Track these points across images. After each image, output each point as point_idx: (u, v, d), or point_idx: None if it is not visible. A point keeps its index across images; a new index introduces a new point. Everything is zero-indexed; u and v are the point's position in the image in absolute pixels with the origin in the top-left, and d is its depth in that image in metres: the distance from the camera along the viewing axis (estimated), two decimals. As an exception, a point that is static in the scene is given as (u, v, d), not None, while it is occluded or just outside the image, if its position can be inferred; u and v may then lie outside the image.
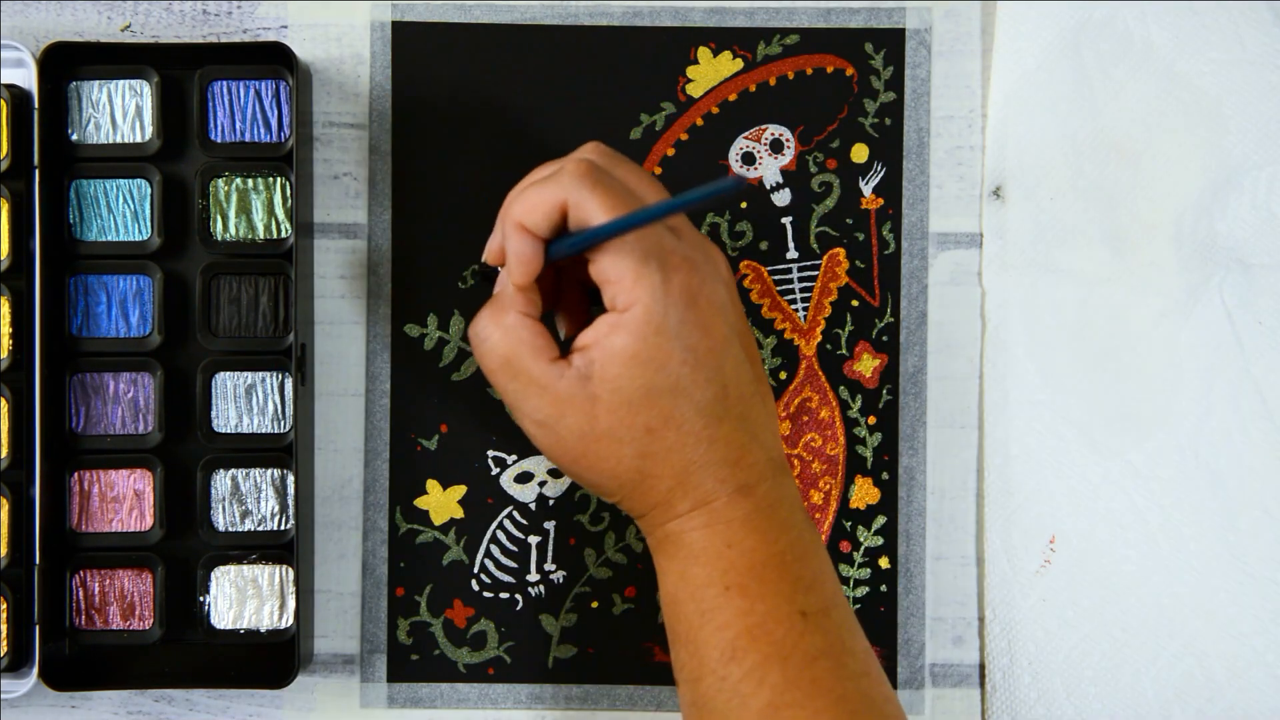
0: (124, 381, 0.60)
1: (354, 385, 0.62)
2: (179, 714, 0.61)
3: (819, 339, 0.62)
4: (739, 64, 0.62)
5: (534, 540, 0.62)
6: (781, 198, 0.62)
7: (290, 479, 0.60)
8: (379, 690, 0.61)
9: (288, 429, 0.60)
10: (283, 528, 0.60)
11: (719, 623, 0.48)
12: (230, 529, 0.60)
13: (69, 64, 0.59)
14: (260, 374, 0.60)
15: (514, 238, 0.49)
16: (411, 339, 0.62)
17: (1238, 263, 0.61)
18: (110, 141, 0.60)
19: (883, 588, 0.62)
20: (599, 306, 0.49)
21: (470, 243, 0.62)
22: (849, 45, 0.62)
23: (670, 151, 0.62)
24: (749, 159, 0.62)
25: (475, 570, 0.62)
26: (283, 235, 0.60)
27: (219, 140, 0.60)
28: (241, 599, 0.60)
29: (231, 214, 0.60)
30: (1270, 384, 0.61)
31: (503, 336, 0.49)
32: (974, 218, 0.62)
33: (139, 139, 0.60)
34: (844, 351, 0.62)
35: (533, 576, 0.62)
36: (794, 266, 0.62)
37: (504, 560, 0.62)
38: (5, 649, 0.58)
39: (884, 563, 0.62)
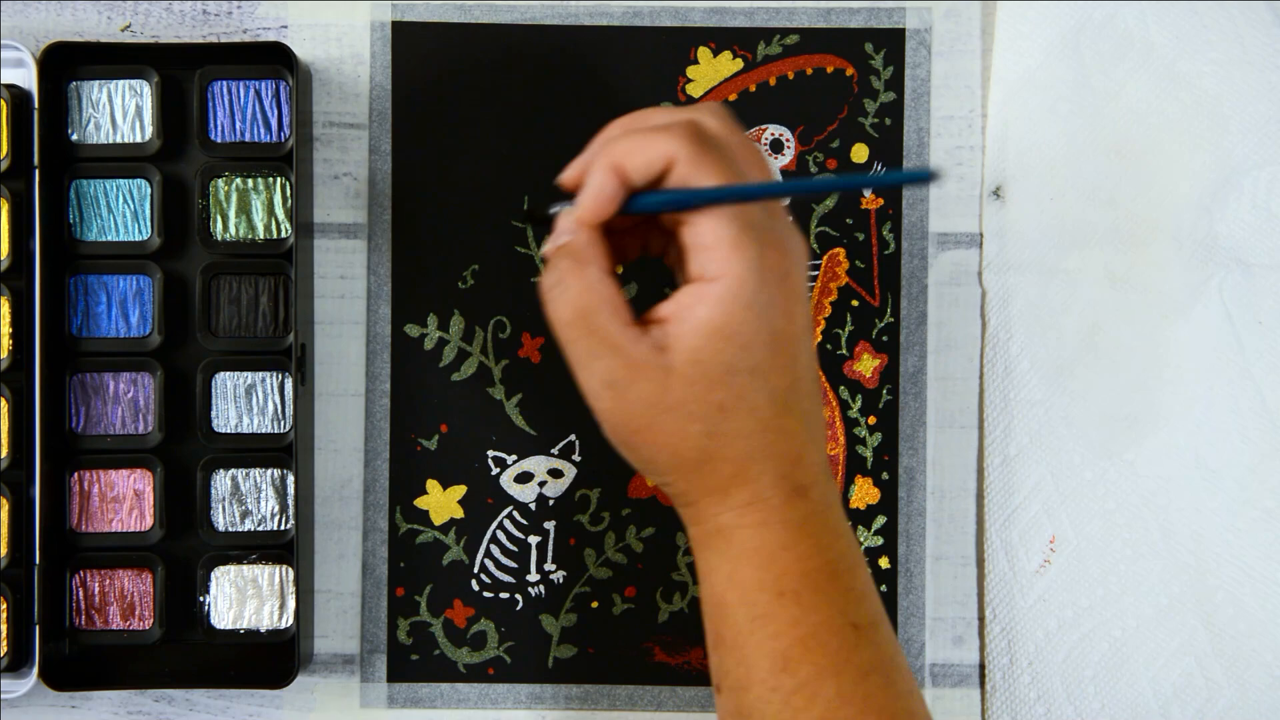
0: (124, 381, 0.60)
1: (354, 385, 0.62)
2: (179, 714, 0.61)
3: (819, 339, 0.62)
4: (739, 64, 0.62)
5: (534, 540, 0.62)
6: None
7: (290, 479, 0.60)
8: (379, 690, 0.61)
9: (288, 429, 0.60)
10: (283, 528, 0.60)
11: (771, 630, 0.46)
12: (230, 529, 0.60)
13: (69, 64, 0.59)
14: (260, 374, 0.60)
15: (604, 175, 0.46)
16: (411, 339, 0.62)
17: (1238, 263, 0.61)
18: (110, 141, 0.60)
19: (883, 588, 0.62)
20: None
21: (470, 243, 0.62)
22: (849, 45, 0.62)
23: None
24: (749, 159, 0.62)
25: (475, 570, 0.62)
26: (283, 235, 0.60)
27: (219, 140, 0.60)
28: (241, 599, 0.60)
29: (231, 214, 0.60)
30: (1270, 384, 0.61)
31: (584, 290, 0.46)
32: (974, 218, 0.62)
33: (139, 139, 0.60)
34: (844, 351, 0.62)
35: (533, 576, 0.62)
36: (794, 266, 0.62)
37: (504, 560, 0.62)
38: (5, 649, 0.58)
39: (884, 563, 0.62)
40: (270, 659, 0.60)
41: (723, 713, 0.48)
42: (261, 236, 0.60)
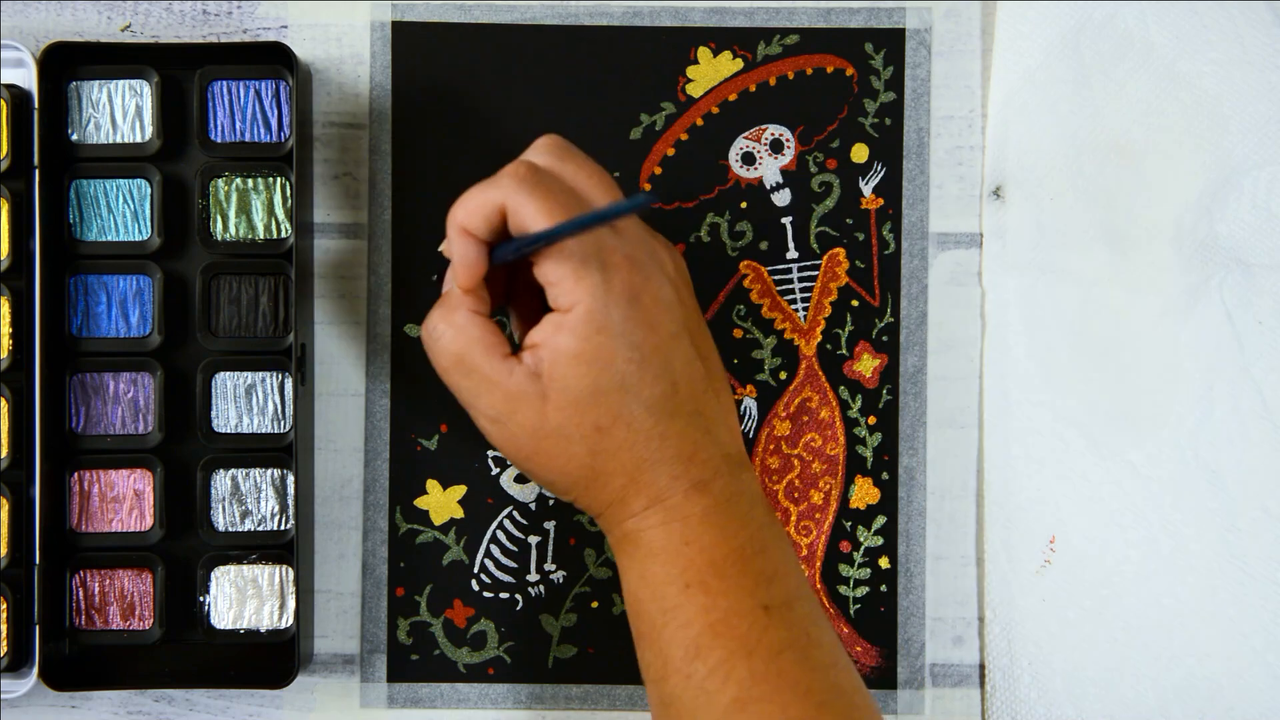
0: (124, 381, 0.60)
1: (354, 385, 0.62)
2: (179, 714, 0.61)
3: (819, 339, 0.62)
4: (739, 64, 0.62)
5: (534, 540, 0.62)
6: (781, 198, 0.62)
7: (290, 479, 0.60)
8: (379, 690, 0.61)
9: (288, 429, 0.60)
10: (283, 528, 0.60)
11: (681, 620, 0.48)
12: (230, 529, 0.60)
13: (69, 64, 0.59)
14: (260, 374, 0.60)
15: (457, 241, 0.49)
16: (411, 339, 0.62)
17: (1238, 263, 0.61)
18: (110, 141, 0.60)
19: (883, 588, 0.62)
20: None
21: (470, 243, 0.62)
22: (849, 45, 0.62)
23: (670, 151, 0.62)
24: (749, 159, 0.62)
25: (475, 570, 0.62)
26: (283, 235, 0.60)
27: (219, 140, 0.60)
28: (241, 599, 0.60)
29: (231, 214, 0.60)
30: (1270, 384, 0.61)
31: (455, 335, 0.49)
32: (974, 218, 0.62)
33: (139, 139, 0.60)
34: (844, 351, 0.62)
35: (533, 576, 0.62)
36: (794, 266, 0.62)
37: (504, 560, 0.62)
38: (5, 649, 0.58)
39: (884, 563, 0.62)
40: (270, 659, 0.60)
41: (651, 703, 0.50)
42: (261, 236, 0.60)
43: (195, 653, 0.61)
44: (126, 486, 0.60)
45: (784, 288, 0.62)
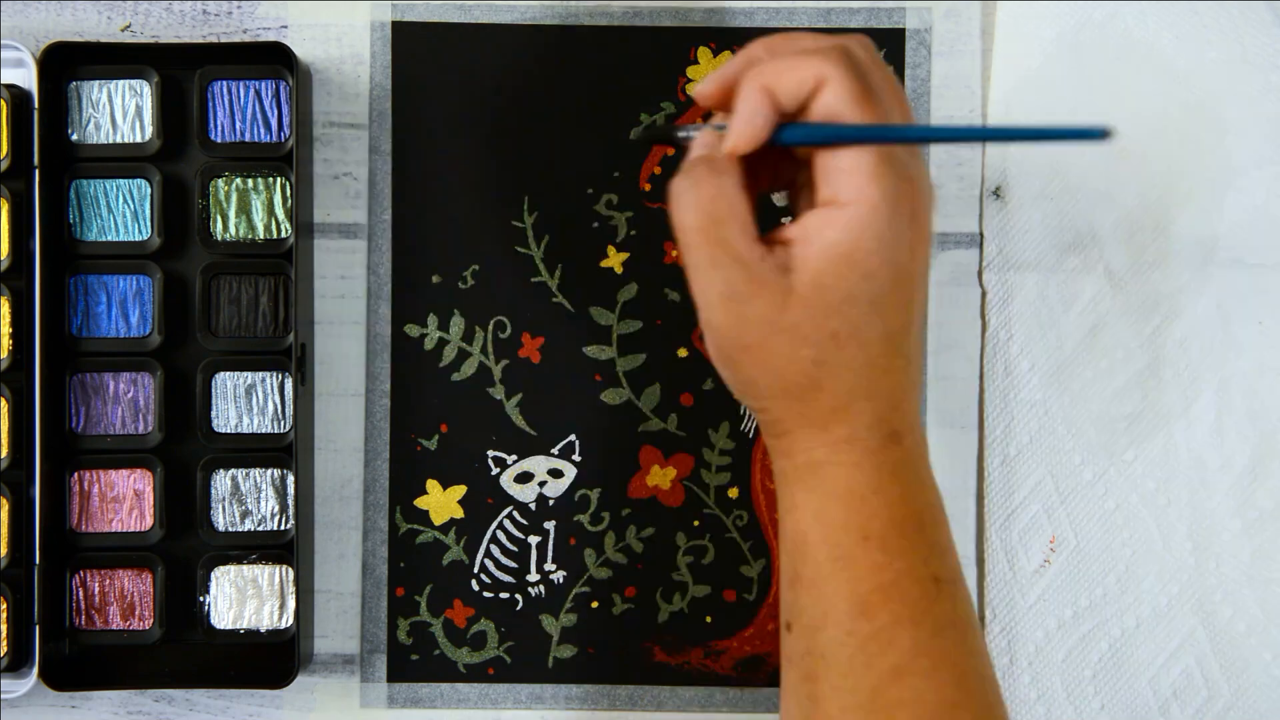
0: (124, 381, 0.60)
1: (354, 385, 0.62)
2: (179, 714, 0.61)
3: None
4: (739, 64, 0.62)
5: (534, 540, 0.62)
6: (781, 197, 0.62)
7: (290, 479, 0.60)
8: (379, 690, 0.61)
9: (288, 429, 0.60)
10: (283, 528, 0.60)
11: (853, 573, 0.45)
12: (230, 529, 0.60)
13: (69, 64, 0.59)
14: (260, 374, 0.60)
15: (754, 99, 0.44)
16: (411, 339, 0.62)
17: (1238, 263, 0.61)
18: (110, 141, 0.60)
19: (883, 588, 0.62)
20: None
21: (470, 243, 0.62)
22: (849, 45, 0.62)
23: (670, 151, 0.62)
24: (749, 159, 0.62)
25: (475, 570, 0.62)
26: (283, 235, 0.60)
27: (219, 140, 0.60)
28: (241, 599, 0.60)
29: (231, 214, 0.60)
30: (1270, 384, 0.61)
31: (715, 195, 0.44)
32: (974, 218, 0.62)
33: (139, 139, 0.60)
34: (844, 351, 0.62)
35: (533, 576, 0.62)
36: (794, 266, 0.62)
37: (504, 560, 0.62)
38: (5, 649, 0.58)
39: (884, 563, 0.62)
40: (270, 659, 0.60)
41: (791, 651, 0.47)
42: (261, 236, 0.60)
43: (195, 653, 0.61)
44: (126, 486, 0.60)
45: (784, 288, 0.62)
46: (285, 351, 0.60)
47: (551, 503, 0.62)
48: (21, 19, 0.61)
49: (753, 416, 0.62)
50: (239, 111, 0.60)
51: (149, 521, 0.60)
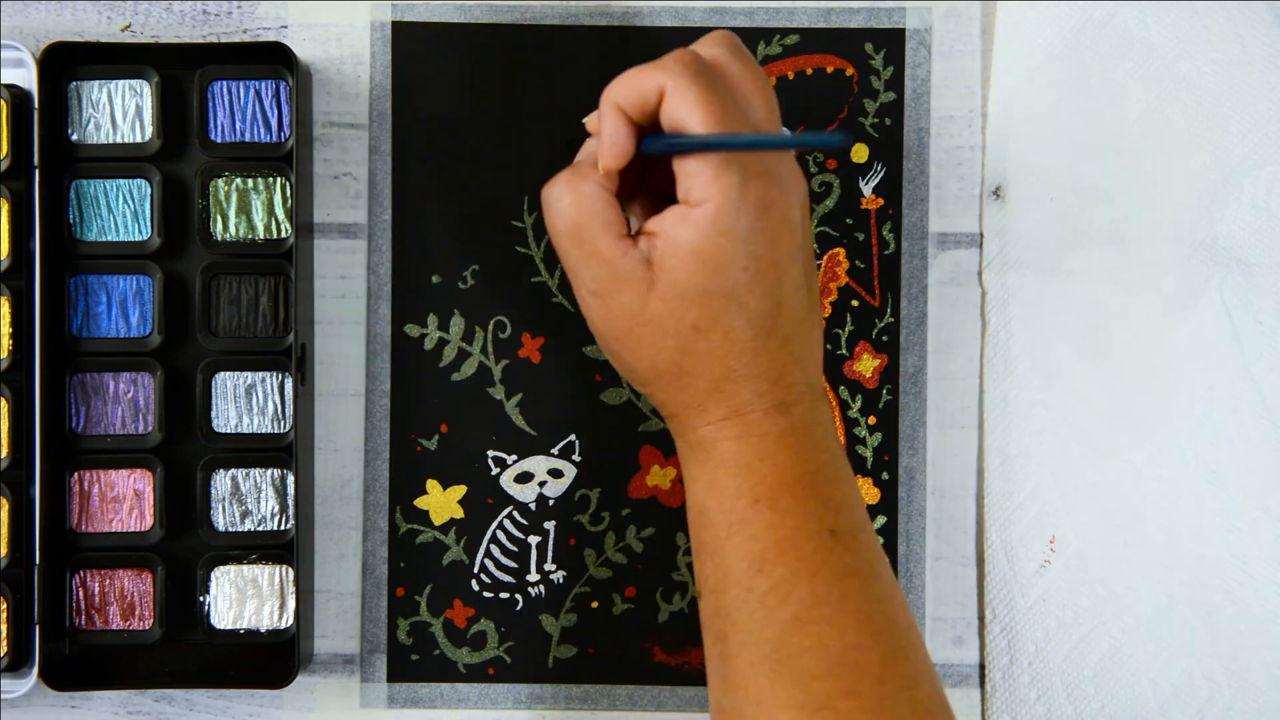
0: (124, 381, 0.60)
1: (354, 385, 0.62)
2: (179, 714, 0.61)
3: (819, 339, 0.62)
4: (739, 64, 0.62)
5: (534, 540, 0.62)
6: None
7: (290, 479, 0.60)
8: (379, 690, 0.61)
9: (288, 429, 0.60)
10: (283, 528, 0.60)
11: (748, 534, 0.48)
12: (230, 529, 0.60)
13: (69, 64, 0.59)
14: (260, 374, 0.60)
15: (609, 118, 0.48)
16: (411, 339, 0.62)
17: (1238, 263, 0.61)
18: (110, 141, 0.60)
19: (883, 588, 0.62)
20: (672, 202, 0.49)
21: (470, 243, 0.62)
22: (849, 45, 0.62)
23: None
24: (749, 159, 0.62)
25: (475, 570, 0.62)
26: (283, 235, 0.60)
27: (219, 140, 0.60)
28: (241, 599, 0.60)
29: (231, 214, 0.60)
30: (1270, 384, 0.61)
31: (576, 201, 0.49)
32: (974, 218, 0.62)
33: (139, 139, 0.60)
34: (844, 351, 0.62)
35: (533, 576, 0.62)
36: (794, 266, 0.62)
37: (504, 560, 0.62)
38: (5, 649, 0.58)
39: (884, 563, 0.62)
40: (270, 659, 0.60)
41: (704, 617, 0.50)
42: (261, 236, 0.60)
43: (195, 653, 0.61)
44: (126, 486, 0.60)
45: (784, 288, 0.62)
46: (285, 351, 0.60)
47: (551, 503, 0.62)
48: (21, 19, 0.61)
49: None
50: (239, 111, 0.60)
51: (149, 521, 0.60)
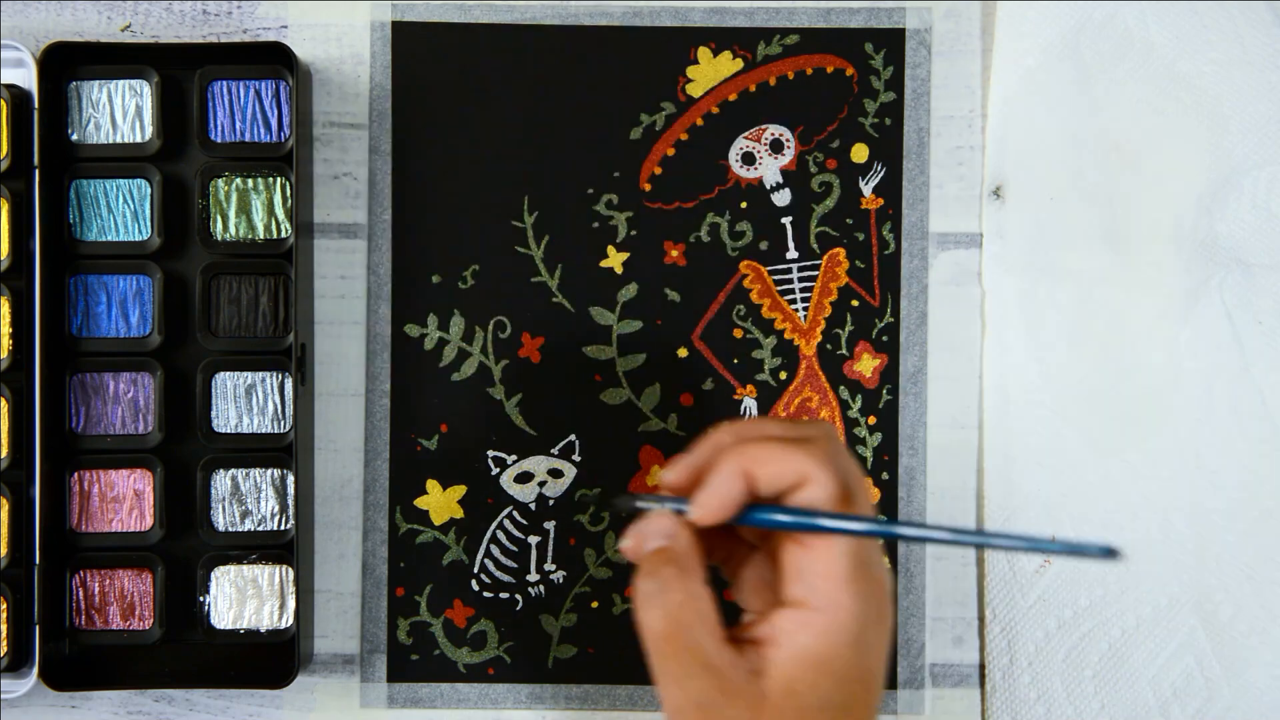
0: (124, 381, 0.60)
1: (354, 385, 0.62)
2: (179, 714, 0.61)
3: (819, 339, 0.62)
4: (739, 64, 0.62)
5: (534, 540, 0.62)
6: (781, 198, 0.62)
7: (290, 479, 0.60)
8: (379, 690, 0.61)
9: (288, 429, 0.60)
10: (283, 528, 0.60)
11: None
12: (230, 529, 0.60)
13: (69, 64, 0.59)
14: (260, 374, 0.60)
15: (731, 479, 0.44)
16: (411, 339, 0.62)
17: (1238, 263, 0.61)
18: (110, 141, 0.60)
19: (883, 588, 0.62)
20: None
21: (470, 243, 0.62)
22: (849, 45, 0.62)
23: (670, 151, 0.62)
24: (749, 159, 0.62)
25: (475, 570, 0.62)
26: (283, 235, 0.60)
27: (219, 140, 0.60)
28: (241, 599, 0.60)
29: (231, 214, 0.60)
30: (1270, 384, 0.61)
31: (684, 601, 0.44)
32: (974, 218, 0.62)
33: (139, 139, 0.60)
34: (844, 351, 0.62)
35: (533, 576, 0.62)
36: (794, 266, 0.62)
37: (504, 560, 0.62)
38: (5, 649, 0.58)
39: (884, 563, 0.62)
40: (270, 659, 0.60)
41: None
42: (261, 236, 0.60)
43: (195, 653, 0.61)
44: (126, 486, 0.60)
45: (784, 288, 0.62)
46: (285, 351, 0.60)
47: (551, 503, 0.62)
48: (21, 19, 0.61)
49: (750, 418, 0.62)
50: (239, 111, 0.60)
51: (149, 521, 0.60)
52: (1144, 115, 0.61)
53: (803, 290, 0.62)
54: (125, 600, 0.60)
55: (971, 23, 0.62)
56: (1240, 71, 0.61)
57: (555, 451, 0.62)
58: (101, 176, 0.60)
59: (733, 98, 0.62)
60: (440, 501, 0.62)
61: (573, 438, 0.62)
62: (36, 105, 0.58)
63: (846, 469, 0.44)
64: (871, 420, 0.62)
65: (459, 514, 0.62)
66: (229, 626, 0.60)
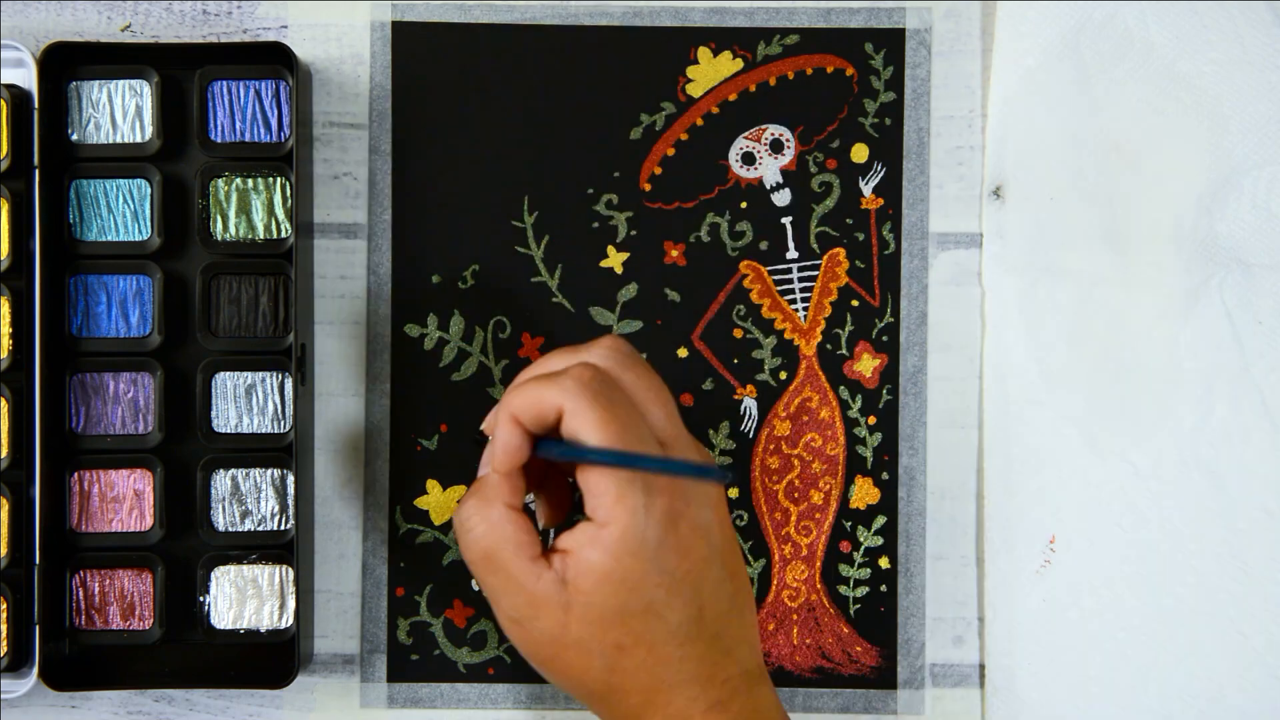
0: (124, 381, 0.60)
1: (354, 385, 0.62)
2: (179, 714, 0.61)
3: (819, 339, 0.62)
4: (739, 64, 0.62)
5: (534, 540, 0.62)
6: (781, 198, 0.62)
7: (290, 479, 0.60)
8: (379, 690, 0.61)
9: (288, 429, 0.60)
10: (283, 528, 0.60)
11: None
12: (230, 529, 0.60)
13: (69, 64, 0.59)
14: (260, 374, 0.60)
15: (504, 427, 0.48)
16: (411, 339, 0.62)
17: (1238, 263, 0.61)
18: (110, 141, 0.60)
19: (883, 588, 0.62)
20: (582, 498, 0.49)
21: (470, 243, 0.62)
22: (849, 45, 0.62)
23: (670, 151, 0.62)
24: (749, 159, 0.62)
25: (475, 570, 0.62)
26: (283, 235, 0.60)
27: (219, 140, 0.60)
28: (241, 599, 0.60)
29: (231, 214, 0.60)
30: (1270, 384, 0.61)
31: (487, 530, 0.48)
32: (974, 218, 0.62)
33: (139, 139, 0.60)
34: (844, 351, 0.62)
35: (533, 576, 0.62)
36: (794, 266, 0.62)
37: (504, 560, 0.62)
38: (5, 649, 0.58)
39: (884, 563, 0.62)
40: (270, 659, 0.60)
41: None
42: (261, 236, 0.60)
43: (195, 653, 0.61)
44: (126, 486, 0.60)
45: (784, 288, 0.62)
46: (285, 351, 0.60)
47: (551, 503, 0.62)
48: (21, 19, 0.61)
49: (749, 418, 0.62)
50: (239, 111, 0.60)
51: (149, 521, 0.60)
52: (1144, 115, 0.61)
53: (803, 290, 0.62)
54: (125, 600, 0.60)
55: (971, 23, 0.62)
56: (1240, 71, 0.61)
57: (555, 451, 0.62)
58: (101, 176, 0.60)
59: (733, 98, 0.62)
60: (440, 501, 0.62)
61: (573, 438, 0.62)
62: (36, 105, 0.58)
63: (603, 389, 0.48)
64: (871, 420, 0.62)
65: (459, 514, 0.62)
66: (229, 626, 0.60)
